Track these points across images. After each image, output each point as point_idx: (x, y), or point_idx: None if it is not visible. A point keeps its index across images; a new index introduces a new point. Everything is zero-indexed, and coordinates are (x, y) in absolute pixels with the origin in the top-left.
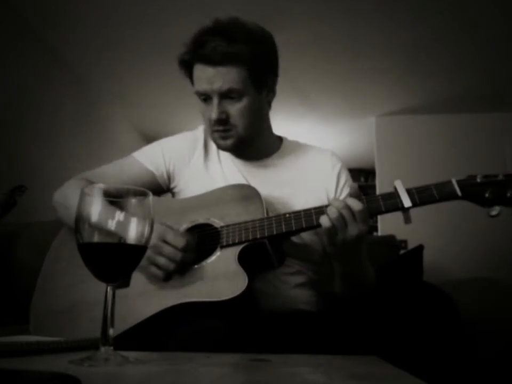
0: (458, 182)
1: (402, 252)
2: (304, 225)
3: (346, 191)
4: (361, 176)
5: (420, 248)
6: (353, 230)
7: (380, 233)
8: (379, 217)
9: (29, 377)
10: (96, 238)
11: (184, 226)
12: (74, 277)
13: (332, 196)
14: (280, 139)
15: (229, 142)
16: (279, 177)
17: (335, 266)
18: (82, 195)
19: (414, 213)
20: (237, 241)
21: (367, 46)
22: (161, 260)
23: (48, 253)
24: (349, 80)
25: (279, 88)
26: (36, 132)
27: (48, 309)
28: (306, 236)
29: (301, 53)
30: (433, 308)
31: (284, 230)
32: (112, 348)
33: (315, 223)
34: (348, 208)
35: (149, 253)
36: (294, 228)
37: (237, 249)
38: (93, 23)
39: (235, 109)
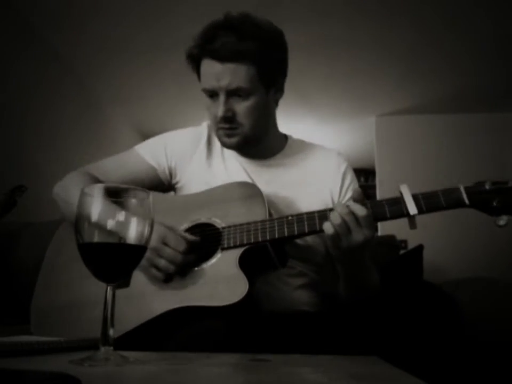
0: (466, 189)
1: (402, 252)
2: (306, 230)
3: (351, 192)
4: (361, 176)
5: (419, 248)
6: (358, 235)
7: (380, 233)
8: None
9: (29, 377)
10: (96, 238)
11: (185, 225)
12: (75, 272)
13: (336, 196)
14: (285, 137)
15: (234, 140)
16: (284, 177)
17: (338, 268)
18: (83, 195)
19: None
20: (238, 243)
21: (367, 46)
22: (161, 262)
23: (49, 247)
24: (349, 80)
25: None
26: (36, 132)
27: (49, 305)
28: (309, 238)
29: (301, 53)
30: (434, 307)
31: (285, 234)
32: (112, 348)
33: (318, 228)
34: (352, 214)
35: (149, 254)
36: (296, 232)
37: (238, 251)
38: (93, 23)
39: (242, 107)
